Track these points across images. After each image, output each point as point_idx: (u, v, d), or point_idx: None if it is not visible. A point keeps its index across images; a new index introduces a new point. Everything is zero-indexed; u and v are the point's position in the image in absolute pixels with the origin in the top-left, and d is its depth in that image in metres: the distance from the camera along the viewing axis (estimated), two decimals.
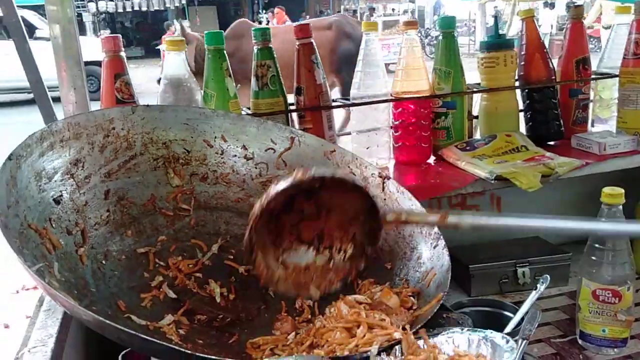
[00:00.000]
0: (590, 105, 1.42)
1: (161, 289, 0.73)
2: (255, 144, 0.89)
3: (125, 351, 0.66)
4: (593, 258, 1.05)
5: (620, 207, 1.03)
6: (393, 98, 1.25)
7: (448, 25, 1.26)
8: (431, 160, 1.31)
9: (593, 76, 1.36)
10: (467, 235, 1.45)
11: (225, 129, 0.88)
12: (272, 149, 0.89)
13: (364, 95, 1.24)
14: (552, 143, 1.34)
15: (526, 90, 1.34)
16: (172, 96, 1.10)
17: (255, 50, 1.15)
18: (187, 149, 0.86)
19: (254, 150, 0.89)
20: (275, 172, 0.89)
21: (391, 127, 1.29)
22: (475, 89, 1.31)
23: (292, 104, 1.21)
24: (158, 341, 0.51)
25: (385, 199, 0.83)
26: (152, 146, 0.84)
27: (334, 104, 1.23)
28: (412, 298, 0.71)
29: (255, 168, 0.88)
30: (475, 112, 1.38)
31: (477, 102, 1.39)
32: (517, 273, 1.28)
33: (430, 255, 0.76)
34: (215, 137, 0.88)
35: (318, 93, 1.19)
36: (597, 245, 1.05)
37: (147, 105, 0.88)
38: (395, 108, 1.27)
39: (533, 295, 0.96)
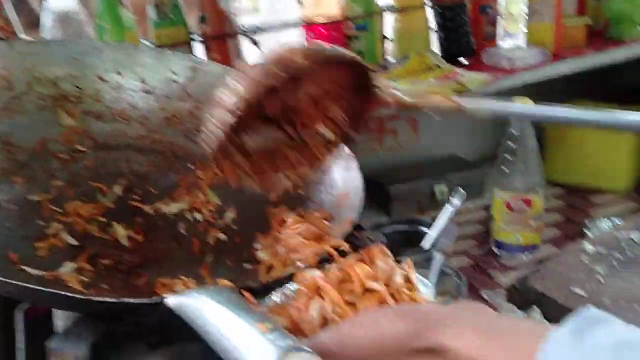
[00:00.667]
0: (499, 19, 1.43)
1: (59, 237, 0.68)
2: (154, 76, 0.83)
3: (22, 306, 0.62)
4: (504, 169, 1.08)
5: None
6: (303, 22, 1.20)
7: None
8: None
9: None
10: (386, 158, 1.47)
11: (119, 62, 0.82)
12: (173, 80, 0.83)
13: (273, 22, 1.18)
14: (464, 60, 1.34)
15: (437, 9, 1.32)
16: (61, 31, 1.01)
17: None
18: (78, 86, 0.79)
19: (154, 83, 0.83)
20: (178, 104, 0.84)
21: None
22: (385, 9, 1.28)
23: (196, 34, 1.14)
24: (49, 290, 0.47)
25: None
26: (37, 85, 0.77)
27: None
28: (325, 222, 0.70)
29: (156, 102, 0.83)
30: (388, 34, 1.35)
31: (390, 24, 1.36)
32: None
33: (343, 177, 0.74)
34: (109, 71, 0.81)
35: (223, 20, 1.12)
36: (507, 156, 1.07)
37: (28, 40, 0.80)
38: (306, 33, 1.22)
39: (448, 210, 0.97)
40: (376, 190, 1.34)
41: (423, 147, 1.49)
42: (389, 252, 0.47)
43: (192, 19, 1.13)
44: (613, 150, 1.35)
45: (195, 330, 0.42)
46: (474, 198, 1.37)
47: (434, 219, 1.06)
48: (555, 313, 0.80)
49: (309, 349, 0.34)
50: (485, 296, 1.03)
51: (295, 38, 1.22)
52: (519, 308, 0.79)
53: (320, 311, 0.42)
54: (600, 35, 1.42)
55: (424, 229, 1.01)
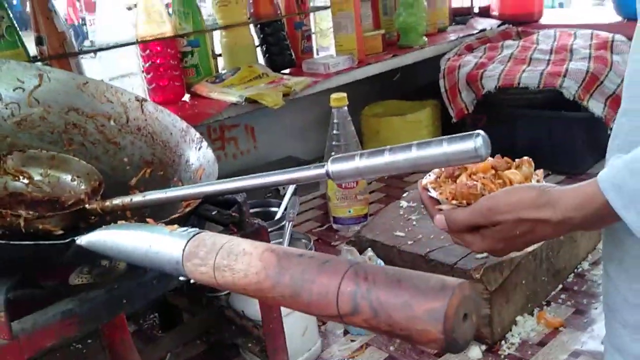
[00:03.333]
0: (313, 36, 1.66)
1: None
2: (1, 85, 0.88)
3: None
4: (332, 153, 1.28)
5: (346, 108, 1.26)
6: (138, 41, 1.30)
7: None
8: (186, 98, 1.40)
9: (311, 9, 1.59)
10: (230, 166, 1.61)
11: None
12: (20, 88, 0.88)
13: (109, 41, 1.27)
14: (287, 71, 1.54)
15: (258, 26, 1.51)
16: None
17: None
18: None
19: (1, 92, 0.87)
20: (28, 110, 0.88)
21: (143, 71, 1.34)
22: (214, 27, 1.43)
23: (36, 56, 1.18)
24: None
25: (146, 120, 0.91)
26: None
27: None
28: None
29: (6, 109, 0.87)
30: (218, 51, 1.50)
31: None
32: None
33: (196, 156, 0.86)
34: None
35: (62, 41, 1.18)
36: (334, 143, 1.27)
37: None
38: (142, 51, 1.32)
39: (291, 187, 1.14)
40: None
41: (263, 152, 1.66)
42: (532, 163, 0.69)
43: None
44: (417, 137, 1.63)
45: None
46: (312, 190, 1.57)
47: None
48: (384, 251, 0.99)
49: (208, 231, 0.46)
50: None
51: (133, 56, 1.32)
52: (359, 252, 0.97)
53: (480, 187, 0.64)
54: (394, 43, 1.72)
55: (274, 209, 1.17)
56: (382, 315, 0.32)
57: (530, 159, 0.72)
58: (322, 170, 0.58)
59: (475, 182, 0.67)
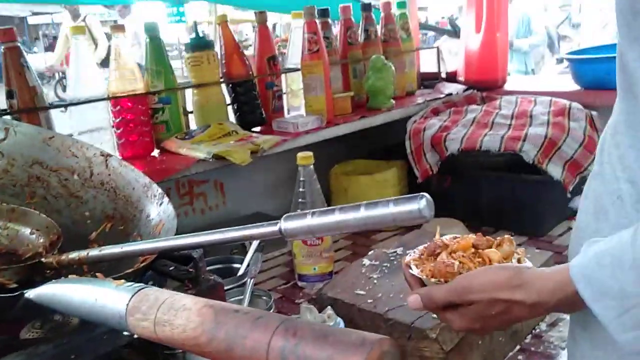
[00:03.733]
0: (284, 96, 1.71)
1: None
2: None
3: None
4: (298, 210, 1.29)
5: (312, 167, 1.29)
6: (109, 97, 1.32)
7: (152, 29, 1.39)
8: (156, 153, 1.42)
9: (282, 70, 1.65)
10: (198, 221, 1.61)
11: None
12: None
13: (80, 96, 1.29)
14: (257, 129, 1.57)
15: (230, 85, 1.55)
16: None
17: None
18: None
19: None
20: None
21: (113, 126, 1.36)
22: (185, 86, 1.46)
23: (5, 110, 1.20)
24: None
25: (110, 174, 0.92)
26: None
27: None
28: None
29: None
30: (189, 108, 1.53)
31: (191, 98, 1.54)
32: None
33: (157, 211, 0.87)
34: None
35: (32, 95, 1.20)
36: (300, 200, 1.29)
37: None
38: (113, 107, 1.34)
39: (254, 244, 1.15)
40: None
41: (232, 207, 1.67)
42: (514, 242, 0.73)
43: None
44: (384, 196, 1.66)
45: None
46: (279, 247, 1.57)
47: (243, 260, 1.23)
48: (344, 310, 1.00)
49: (153, 287, 0.47)
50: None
51: (103, 111, 1.34)
52: (318, 311, 0.97)
53: (458, 266, 0.68)
54: (362, 105, 1.78)
55: (237, 265, 1.17)
56: None
57: (512, 238, 0.76)
58: (275, 228, 0.59)
59: (453, 261, 0.69)
